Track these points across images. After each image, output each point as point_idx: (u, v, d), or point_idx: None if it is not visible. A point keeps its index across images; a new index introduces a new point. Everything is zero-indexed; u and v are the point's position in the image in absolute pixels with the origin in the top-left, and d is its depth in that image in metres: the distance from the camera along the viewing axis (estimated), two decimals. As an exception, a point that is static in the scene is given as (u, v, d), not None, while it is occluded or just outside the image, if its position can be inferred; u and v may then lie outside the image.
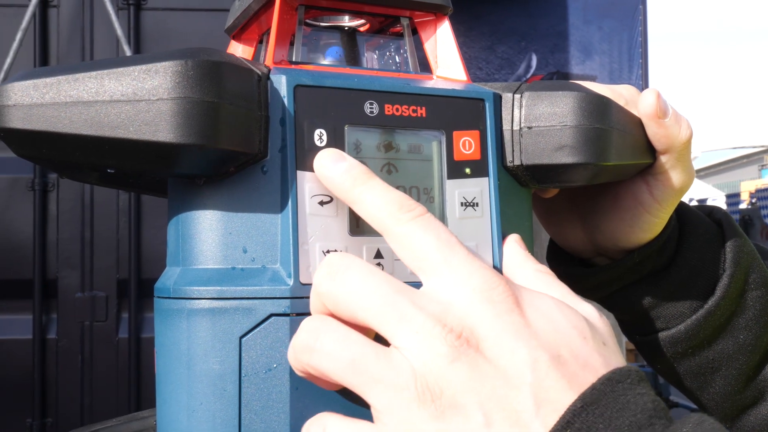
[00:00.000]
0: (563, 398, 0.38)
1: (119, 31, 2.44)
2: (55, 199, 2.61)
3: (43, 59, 2.54)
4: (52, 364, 2.57)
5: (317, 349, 0.41)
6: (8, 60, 2.34)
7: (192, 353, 0.48)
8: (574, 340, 0.40)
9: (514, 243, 0.53)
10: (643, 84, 3.70)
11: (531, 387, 0.38)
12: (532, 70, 3.65)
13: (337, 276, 0.42)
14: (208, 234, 0.49)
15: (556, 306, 0.42)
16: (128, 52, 2.46)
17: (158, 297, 0.50)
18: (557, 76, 3.53)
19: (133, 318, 2.58)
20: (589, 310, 0.45)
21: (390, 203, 0.44)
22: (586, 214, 0.67)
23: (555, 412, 0.38)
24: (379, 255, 0.51)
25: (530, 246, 0.58)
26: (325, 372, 0.41)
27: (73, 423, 2.57)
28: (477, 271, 0.42)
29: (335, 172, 0.46)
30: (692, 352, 0.67)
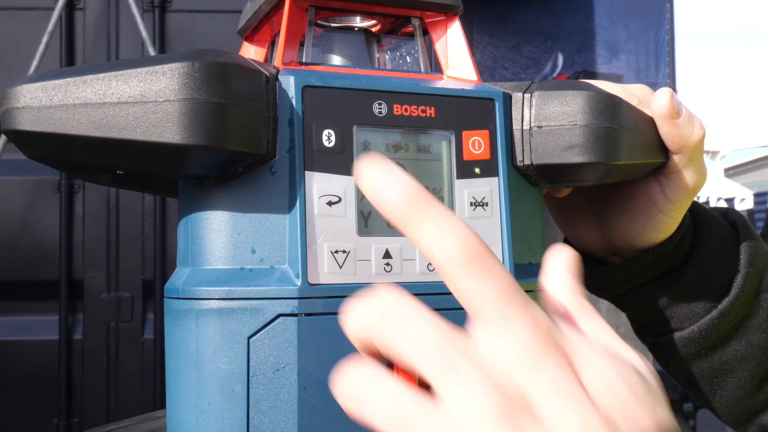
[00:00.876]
0: None
1: (144, 33, 2.46)
2: (81, 201, 2.63)
3: (69, 62, 2.56)
4: (78, 365, 2.60)
5: (364, 401, 0.40)
6: (34, 63, 2.37)
7: (201, 353, 0.48)
8: (625, 398, 0.38)
9: (562, 265, 0.45)
10: (670, 82, 3.68)
11: None
12: (558, 69, 3.63)
13: (391, 322, 0.40)
14: (216, 234, 0.49)
15: (609, 360, 0.40)
16: (153, 54, 2.48)
17: (168, 297, 0.51)
18: (583, 75, 3.52)
19: (159, 319, 2.60)
20: (635, 357, 0.42)
21: (452, 241, 0.39)
22: (600, 213, 0.67)
23: None
24: (387, 255, 0.51)
25: (542, 246, 0.58)
26: (373, 424, 0.40)
27: (99, 423, 2.59)
28: (531, 324, 0.39)
29: (390, 195, 0.39)
30: (705, 353, 0.66)
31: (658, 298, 0.66)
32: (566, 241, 0.72)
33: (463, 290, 0.39)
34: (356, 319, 0.40)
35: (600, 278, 0.67)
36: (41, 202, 2.60)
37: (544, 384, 0.37)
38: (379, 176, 0.39)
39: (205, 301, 0.48)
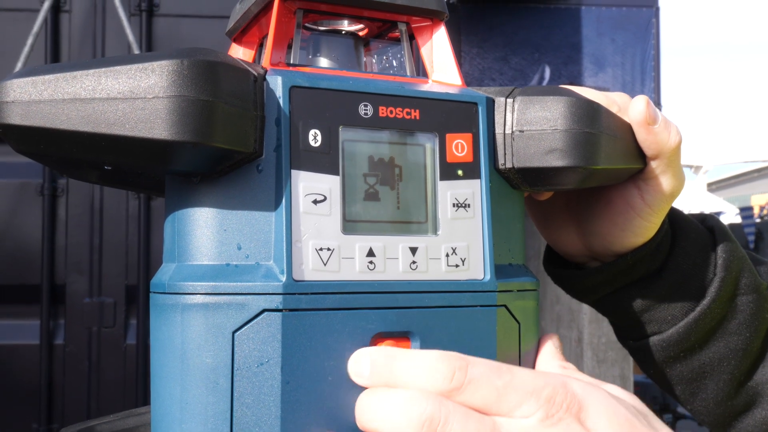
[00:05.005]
0: None
1: (131, 37, 2.47)
2: (64, 205, 2.62)
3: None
4: (59, 370, 2.59)
5: None
6: (19, 64, 2.36)
7: (186, 347, 0.49)
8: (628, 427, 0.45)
9: (551, 345, 0.58)
10: (655, 96, 3.71)
11: None
12: (545, 82, 3.66)
13: (437, 428, 0.44)
14: (203, 231, 0.50)
15: (611, 404, 0.46)
16: (139, 60, 2.48)
17: (154, 292, 0.51)
18: (570, 88, 3.53)
19: (142, 324, 2.59)
20: (621, 391, 0.50)
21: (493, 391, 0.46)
22: (580, 218, 0.68)
23: None
24: (371, 253, 0.52)
25: (522, 248, 0.59)
26: None
27: (80, 428, 2.57)
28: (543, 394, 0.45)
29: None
30: (684, 356, 0.68)
31: (636, 302, 0.67)
32: (547, 246, 0.73)
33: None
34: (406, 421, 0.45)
35: (579, 282, 0.68)
36: (24, 206, 2.59)
37: None
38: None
39: (191, 296, 0.49)
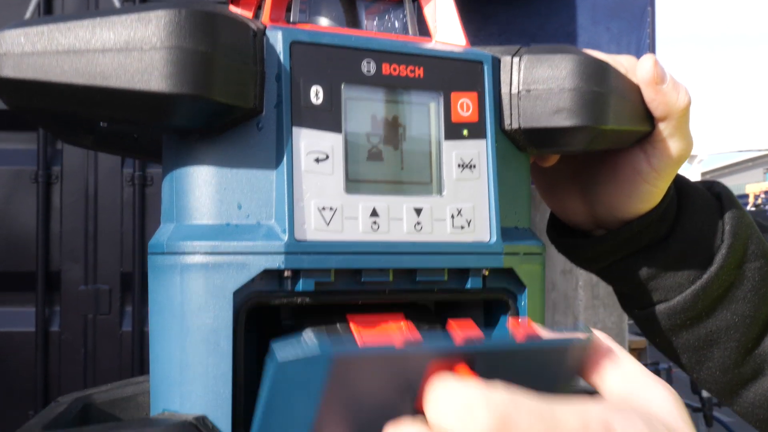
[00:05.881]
0: None
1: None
2: (58, 192, 2.60)
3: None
4: (55, 357, 2.57)
5: None
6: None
7: (185, 308, 0.47)
8: None
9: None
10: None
11: None
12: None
13: None
14: (202, 190, 0.49)
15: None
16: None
17: (152, 254, 0.50)
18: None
19: (137, 311, 2.57)
20: (663, 394, 0.44)
21: None
22: (586, 185, 0.67)
23: None
24: (374, 213, 0.50)
25: (527, 212, 0.58)
26: None
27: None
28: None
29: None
30: (690, 324, 0.66)
31: (642, 270, 0.66)
32: (552, 215, 0.72)
33: None
34: None
35: (585, 250, 0.67)
36: (18, 193, 2.57)
37: None
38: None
39: (190, 256, 0.47)
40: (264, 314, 0.53)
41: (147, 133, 0.57)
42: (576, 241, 0.68)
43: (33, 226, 2.55)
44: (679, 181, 0.68)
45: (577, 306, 3.15)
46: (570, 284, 3.06)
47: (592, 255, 0.67)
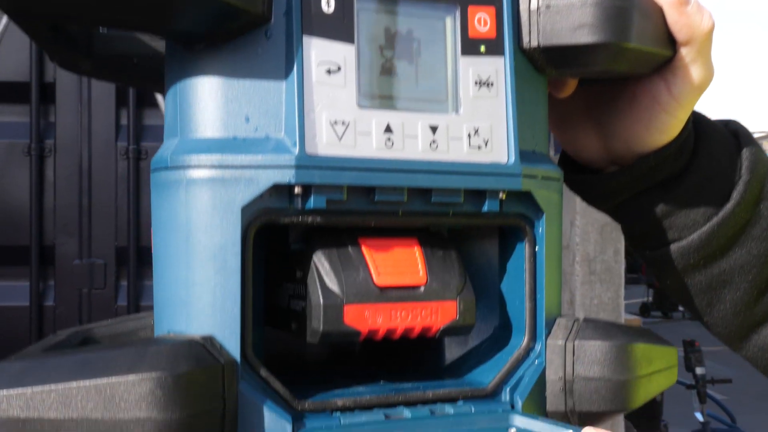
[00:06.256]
0: None
1: None
2: (52, 165, 2.57)
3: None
4: (50, 332, 2.54)
5: None
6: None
7: (191, 225, 0.45)
8: None
9: None
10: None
11: None
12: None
13: None
14: (208, 102, 0.46)
15: None
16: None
17: (155, 170, 0.47)
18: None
19: (133, 285, 2.55)
20: None
21: None
22: (601, 117, 0.65)
23: None
24: (389, 129, 0.48)
25: (545, 137, 0.56)
26: None
27: (71, 392, 2.54)
28: None
29: None
30: (704, 263, 0.64)
31: (657, 207, 0.64)
32: (562, 153, 0.70)
33: None
34: None
35: (600, 185, 0.65)
36: (11, 166, 2.54)
37: None
38: None
39: (196, 170, 0.45)
40: (272, 239, 0.51)
41: (148, 55, 0.55)
42: (590, 177, 0.66)
43: (26, 200, 2.52)
44: (696, 117, 0.66)
45: (573, 282, 3.14)
46: (567, 260, 3.04)
47: (607, 191, 0.65)
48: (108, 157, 2.64)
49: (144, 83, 0.58)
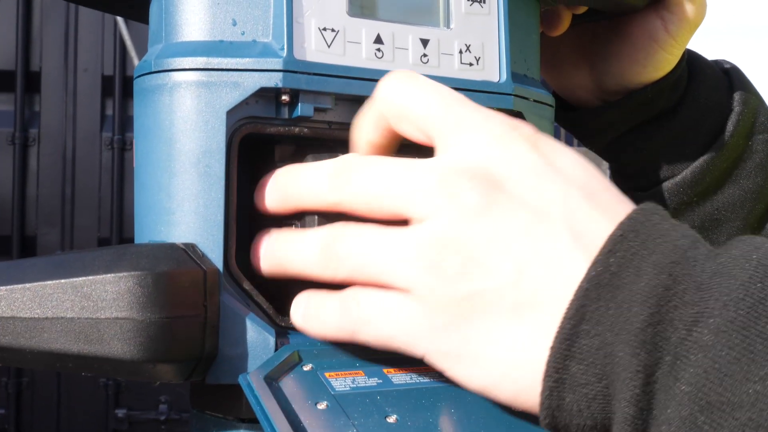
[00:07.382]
0: (601, 229, 0.35)
1: None
2: (35, 154, 2.55)
3: (26, 8, 2.49)
4: (30, 323, 2.52)
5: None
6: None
7: (174, 130, 0.44)
8: (600, 178, 0.39)
9: None
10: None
11: (565, 220, 0.36)
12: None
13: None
14: (193, 4, 0.45)
15: (574, 151, 0.40)
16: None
17: (138, 76, 0.46)
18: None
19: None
20: None
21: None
22: (596, 57, 0.64)
23: (594, 243, 0.35)
24: (379, 40, 0.47)
25: (537, 64, 0.55)
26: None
27: (50, 385, 2.52)
28: (492, 119, 0.40)
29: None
30: (697, 201, 0.64)
31: (650, 142, 0.64)
32: (554, 93, 0.69)
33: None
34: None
35: (595, 120, 0.64)
36: (-6, 155, 2.52)
37: (516, 164, 0.38)
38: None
39: (181, 73, 0.44)
40: (259, 160, 0.50)
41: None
42: (585, 111, 0.65)
43: (9, 190, 2.50)
44: (690, 55, 0.66)
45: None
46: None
47: (602, 125, 0.64)
48: (92, 147, 2.62)
49: (128, 11, 0.56)
